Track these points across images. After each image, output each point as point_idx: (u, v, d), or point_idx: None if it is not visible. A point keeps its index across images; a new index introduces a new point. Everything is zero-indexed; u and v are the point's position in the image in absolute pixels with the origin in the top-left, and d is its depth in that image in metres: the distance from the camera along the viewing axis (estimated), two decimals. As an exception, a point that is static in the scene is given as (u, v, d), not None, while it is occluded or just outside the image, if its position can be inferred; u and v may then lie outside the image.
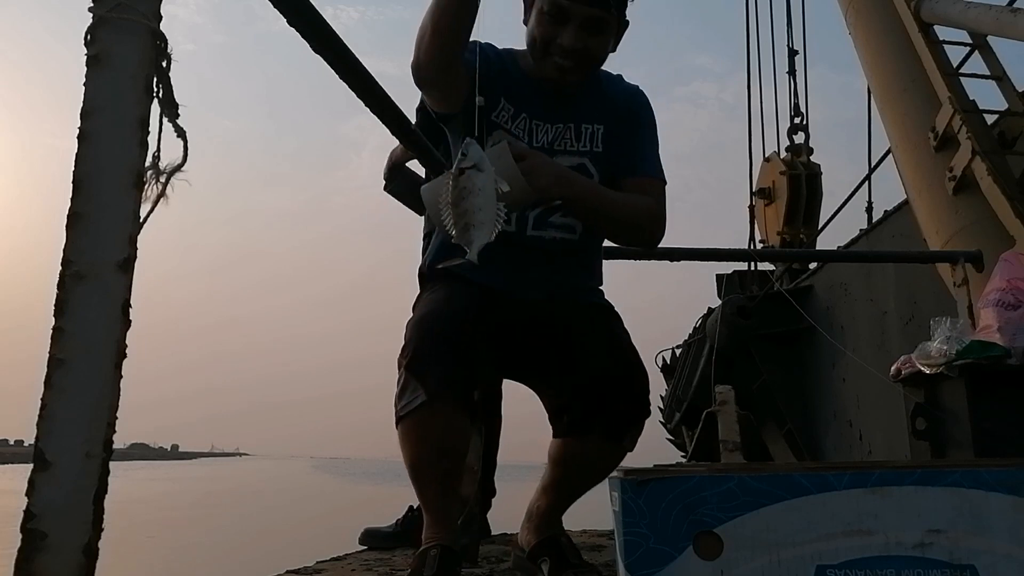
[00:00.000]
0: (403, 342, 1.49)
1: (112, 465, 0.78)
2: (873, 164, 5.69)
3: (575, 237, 1.64)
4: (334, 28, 1.57)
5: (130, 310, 0.80)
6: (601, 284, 1.75)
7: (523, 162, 1.39)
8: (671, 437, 6.42)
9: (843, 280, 4.88)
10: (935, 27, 3.96)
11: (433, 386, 1.41)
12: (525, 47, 1.62)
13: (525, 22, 1.60)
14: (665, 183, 1.67)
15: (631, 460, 1.61)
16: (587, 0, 1.50)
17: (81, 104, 0.81)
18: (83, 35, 0.83)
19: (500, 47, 1.67)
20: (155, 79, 0.85)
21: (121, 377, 0.79)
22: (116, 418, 0.78)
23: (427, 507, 1.53)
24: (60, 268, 0.78)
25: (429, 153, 2.14)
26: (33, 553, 0.73)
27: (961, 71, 3.83)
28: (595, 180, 1.62)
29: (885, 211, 4.65)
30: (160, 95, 0.86)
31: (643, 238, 1.64)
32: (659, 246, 1.73)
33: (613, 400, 1.54)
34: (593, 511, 1.76)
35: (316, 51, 1.57)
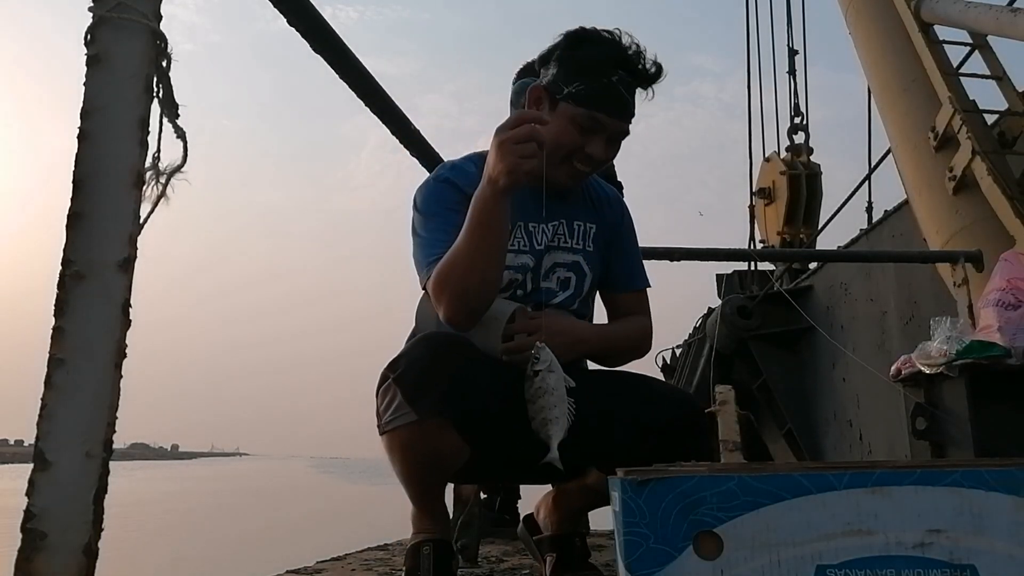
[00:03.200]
0: (398, 353, 1.44)
1: (112, 465, 0.78)
2: (873, 164, 5.69)
3: None
4: (333, 28, 1.57)
5: (130, 310, 0.80)
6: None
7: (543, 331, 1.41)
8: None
9: (843, 280, 4.88)
10: (935, 27, 3.96)
11: (424, 409, 1.36)
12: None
13: None
14: (649, 286, 1.74)
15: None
16: (622, 116, 1.52)
17: (81, 104, 0.81)
18: (83, 35, 0.83)
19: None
20: (155, 79, 0.85)
21: (121, 377, 0.79)
22: (116, 418, 0.78)
23: (415, 504, 1.53)
24: (60, 268, 0.78)
25: (429, 153, 2.14)
26: (33, 553, 0.73)
27: (961, 71, 3.83)
28: (588, 279, 1.64)
29: (885, 211, 4.65)
30: (160, 95, 0.86)
31: (636, 356, 1.69)
32: (659, 246, 1.75)
33: (678, 439, 1.48)
34: (593, 511, 1.75)
35: (316, 51, 1.57)
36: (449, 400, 1.35)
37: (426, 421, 1.36)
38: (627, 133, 1.55)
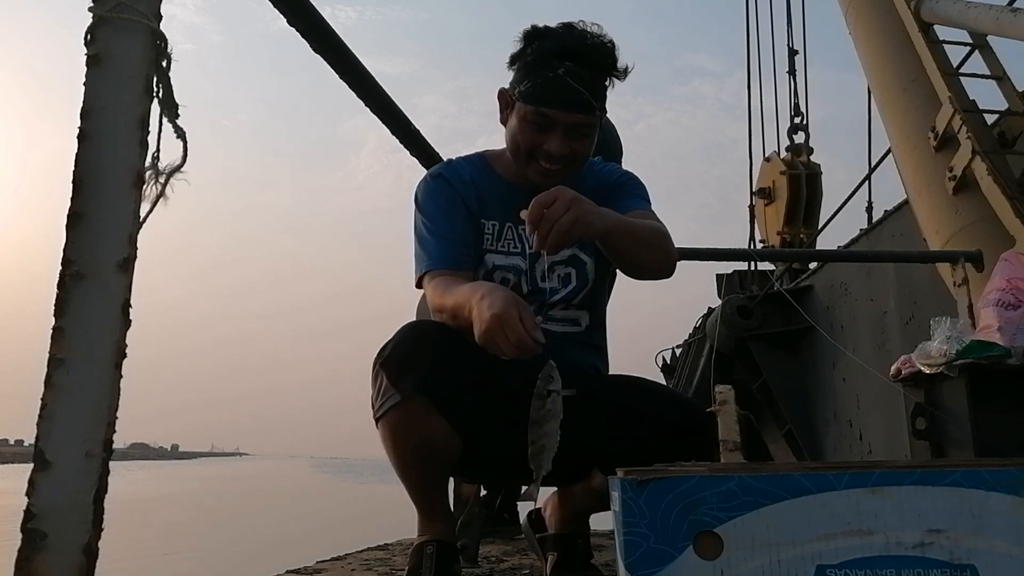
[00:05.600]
0: (385, 341, 1.47)
1: (112, 465, 0.78)
2: (873, 164, 5.69)
3: (580, 329, 1.63)
4: (333, 28, 1.57)
5: (130, 310, 0.80)
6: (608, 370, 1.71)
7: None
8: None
9: (843, 280, 4.88)
10: (935, 27, 3.95)
11: (407, 387, 1.39)
12: (496, 146, 1.63)
13: (503, 121, 1.57)
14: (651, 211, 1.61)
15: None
16: (572, 108, 1.47)
17: (81, 104, 0.81)
18: (83, 35, 0.83)
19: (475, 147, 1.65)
20: (155, 79, 0.85)
21: (121, 377, 0.79)
22: (116, 418, 0.78)
23: (417, 505, 1.53)
24: (60, 268, 0.78)
25: (429, 153, 2.14)
26: (33, 553, 0.73)
27: (961, 71, 3.83)
28: (589, 265, 1.61)
29: (885, 211, 4.65)
30: (160, 95, 0.86)
31: (662, 263, 1.51)
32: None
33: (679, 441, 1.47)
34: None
35: (316, 51, 1.57)
36: (431, 378, 1.38)
37: (410, 401, 1.38)
38: (588, 124, 1.50)
